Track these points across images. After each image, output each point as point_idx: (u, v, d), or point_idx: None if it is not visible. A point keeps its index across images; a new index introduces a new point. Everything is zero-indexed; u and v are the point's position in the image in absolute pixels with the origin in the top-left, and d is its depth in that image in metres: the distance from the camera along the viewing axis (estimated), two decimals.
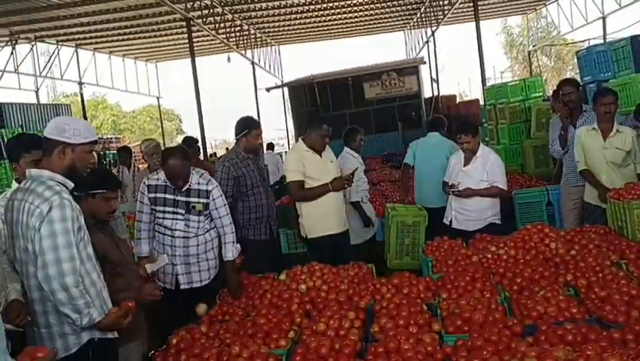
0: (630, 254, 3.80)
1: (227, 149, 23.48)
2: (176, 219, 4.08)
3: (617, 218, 4.54)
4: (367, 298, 3.61)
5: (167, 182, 4.07)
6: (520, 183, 7.60)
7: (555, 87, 5.97)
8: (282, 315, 3.46)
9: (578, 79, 7.21)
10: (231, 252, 4.14)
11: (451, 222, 5.38)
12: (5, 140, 6.44)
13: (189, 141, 8.44)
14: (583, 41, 23.08)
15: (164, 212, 4.10)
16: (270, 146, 15.46)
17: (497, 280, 3.75)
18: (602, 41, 17.05)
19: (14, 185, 3.28)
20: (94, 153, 2.91)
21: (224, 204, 4.17)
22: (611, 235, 4.39)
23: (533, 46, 29.77)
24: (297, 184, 5.01)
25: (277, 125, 27.90)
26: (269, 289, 3.98)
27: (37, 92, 19.71)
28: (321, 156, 5.09)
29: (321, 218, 5.03)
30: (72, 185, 2.78)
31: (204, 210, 4.10)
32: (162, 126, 30.49)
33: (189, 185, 4.07)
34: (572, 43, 30.40)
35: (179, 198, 4.07)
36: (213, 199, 4.10)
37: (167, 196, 4.09)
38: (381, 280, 3.90)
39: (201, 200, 4.08)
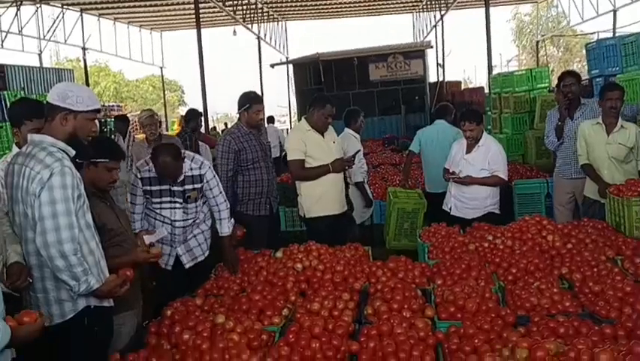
0: (626, 251, 3.81)
1: (225, 124, 23.40)
2: (174, 208, 4.06)
3: (616, 214, 4.55)
4: (362, 281, 3.63)
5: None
6: (521, 174, 7.60)
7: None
8: (276, 293, 3.48)
9: (585, 71, 7.19)
10: (227, 227, 4.18)
11: (450, 209, 5.39)
12: (8, 102, 6.37)
13: (193, 114, 8.43)
14: (592, 33, 22.90)
15: (160, 202, 4.06)
16: (271, 119, 15.22)
17: (492, 270, 3.76)
18: (611, 35, 16.96)
19: (14, 149, 3.27)
20: (96, 121, 2.89)
21: (218, 183, 4.17)
22: (607, 231, 4.40)
23: (542, 35, 29.52)
24: (298, 163, 5.00)
25: (281, 102, 27.74)
26: (265, 266, 3.99)
27: (40, 55, 19.53)
28: (323, 137, 5.07)
29: (319, 198, 5.03)
30: (74, 152, 2.76)
31: (199, 196, 4.12)
32: (165, 96, 30.33)
33: (183, 173, 4.02)
34: (581, 34, 30.16)
35: (175, 188, 4.03)
36: (207, 181, 4.10)
37: (163, 187, 4.03)
38: (377, 263, 3.91)
39: (195, 186, 4.07)
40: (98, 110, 2.84)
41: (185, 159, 4.01)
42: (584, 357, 1.95)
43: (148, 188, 4.04)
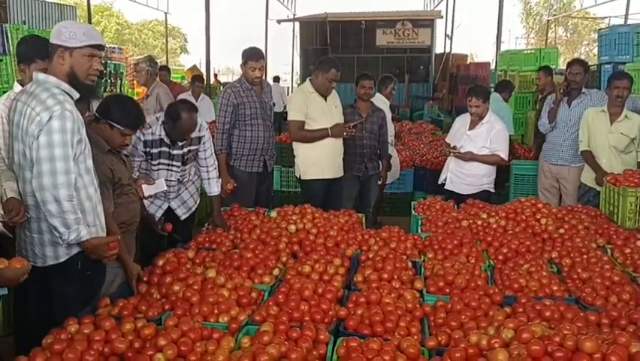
0: (617, 240, 3.84)
1: (217, 80, 23.11)
2: (171, 170, 4.07)
3: (610, 203, 4.57)
4: (354, 248, 3.65)
5: (161, 136, 3.98)
6: (519, 154, 7.60)
7: (566, 60, 5.96)
8: (268, 252, 3.50)
9: (592, 56, 7.14)
10: (216, 186, 4.28)
11: (445, 182, 5.41)
12: (9, 35, 6.23)
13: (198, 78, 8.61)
14: (603, 18, 22.62)
15: (158, 164, 4.05)
16: (277, 79, 15.80)
17: (484, 248, 3.79)
18: (623, 21, 16.75)
19: (16, 87, 3.21)
20: (99, 60, 2.79)
21: (211, 145, 4.27)
22: (600, 219, 4.43)
23: (552, 15, 29.15)
24: (298, 124, 4.98)
25: (286, 60, 27.40)
26: (258, 225, 4.00)
27: None
28: (326, 100, 5.04)
29: (315, 161, 5.03)
30: (78, 95, 2.70)
31: (197, 153, 4.19)
32: (167, 42, 29.88)
33: None
34: (592, 18, 29.79)
35: (175, 152, 4.02)
36: (203, 142, 4.18)
37: (163, 149, 4.01)
38: (370, 232, 3.93)
39: (192, 147, 4.12)
40: (96, 47, 2.70)
41: None
42: (568, 343, 1.98)
43: (148, 150, 4.01)
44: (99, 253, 2.75)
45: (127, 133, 3.19)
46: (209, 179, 4.28)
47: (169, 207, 4.16)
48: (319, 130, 4.96)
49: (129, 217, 3.31)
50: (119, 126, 3.13)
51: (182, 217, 4.21)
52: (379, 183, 5.74)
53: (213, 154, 4.30)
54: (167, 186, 4.01)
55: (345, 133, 5.05)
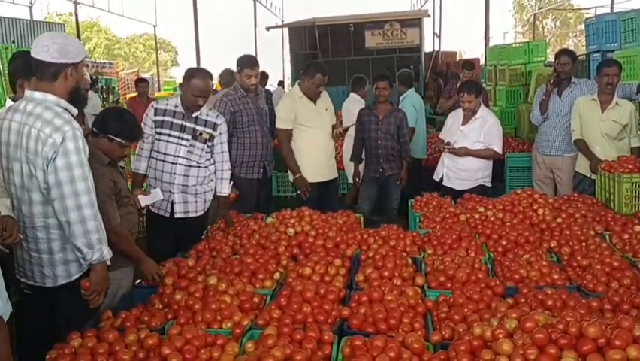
0: (615, 226, 3.86)
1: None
2: (180, 144, 4.06)
3: (606, 190, 4.59)
4: (354, 247, 3.65)
5: (176, 107, 4.08)
6: (513, 147, 7.62)
7: (555, 52, 6.03)
8: (269, 256, 3.50)
9: (582, 47, 7.20)
10: (227, 187, 4.29)
11: (442, 179, 5.42)
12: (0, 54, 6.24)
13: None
14: (590, 8, 22.74)
15: (168, 135, 4.06)
16: (281, 83, 16.89)
17: (483, 241, 3.80)
18: (609, 10, 16.83)
19: (9, 103, 3.20)
20: (88, 74, 2.84)
21: (226, 142, 4.28)
22: (597, 206, 4.44)
23: (540, 8, 29.28)
24: (284, 133, 5.03)
25: (276, 66, 27.49)
26: (257, 230, 4.00)
27: (30, 7, 19.09)
28: (315, 103, 5.06)
29: (306, 165, 5.06)
30: (76, 111, 2.69)
31: (209, 141, 4.14)
32: (157, 55, 29.86)
33: (199, 113, 4.10)
34: (579, 9, 29.94)
35: (186, 123, 4.06)
36: (220, 133, 4.18)
37: (175, 121, 4.07)
38: (369, 231, 3.93)
39: (207, 130, 4.12)
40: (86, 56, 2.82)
41: (204, 107, 4.11)
42: (572, 329, 1.98)
43: (160, 118, 4.06)
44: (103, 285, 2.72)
45: (126, 145, 3.21)
46: (222, 179, 4.28)
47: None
48: (294, 164, 5.05)
49: (129, 227, 3.30)
50: (118, 139, 3.14)
51: (176, 215, 4.14)
52: (398, 183, 5.62)
53: (228, 152, 4.31)
54: (172, 164, 4.05)
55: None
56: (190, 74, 4.05)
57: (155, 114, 4.07)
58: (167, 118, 4.06)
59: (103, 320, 2.77)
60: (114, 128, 3.13)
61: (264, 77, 8.46)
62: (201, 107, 4.06)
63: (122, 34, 44.80)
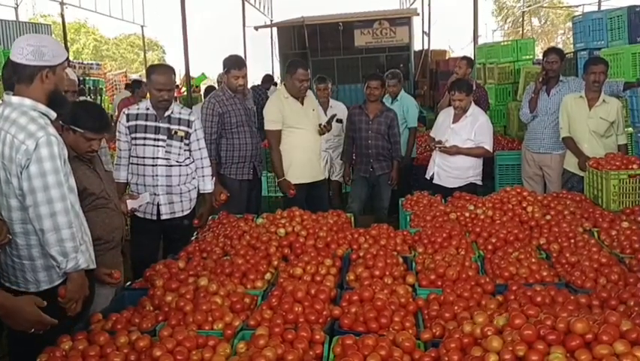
0: (603, 223, 3.89)
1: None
2: (158, 146, 4.09)
3: (594, 187, 4.63)
4: (345, 247, 3.66)
5: (148, 110, 4.11)
6: (502, 145, 7.67)
7: (543, 51, 6.07)
8: (259, 257, 3.50)
9: (569, 44, 7.25)
10: (210, 184, 4.35)
11: (432, 177, 5.44)
12: None
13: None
14: (577, 6, 22.88)
15: (144, 139, 4.08)
16: (275, 83, 16.53)
17: (473, 239, 3.82)
18: (596, 8, 16.94)
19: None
20: (68, 69, 2.79)
21: (203, 137, 4.32)
22: (585, 203, 4.48)
23: (527, 7, 29.42)
24: (272, 134, 5.05)
25: (266, 66, 27.46)
26: (248, 231, 4.00)
27: (16, 8, 18.92)
28: (302, 104, 5.06)
29: (293, 166, 5.07)
30: (55, 115, 2.65)
31: (185, 138, 4.17)
32: (145, 55, 29.71)
33: (171, 112, 4.12)
34: (566, 7, 30.12)
35: (160, 124, 4.09)
36: (195, 130, 4.22)
37: (149, 123, 4.09)
38: (360, 231, 3.94)
39: (182, 128, 4.15)
40: (67, 58, 2.72)
41: (175, 103, 4.15)
42: (560, 325, 2.00)
43: (133, 123, 4.08)
44: (80, 293, 2.69)
45: (91, 137, 3.09)
46: (204, 176, 4.31)
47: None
48: (280, 168, 5.07)
49: (105, 233, 3.21)
50: (81, 130, 3.05)
51: (163, 216, 4.20)
52: (389, 183, 5.64)
53: (207, 149, 4.34)
54: (153, 167, 4.08)
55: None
56: (150, 70, 4.16)
57: (128, 120, 4.10)
58: (141, 122, 4.08)
59: (93, 323, 2.76)
60: (77, 118, 3.04)
61: (269, 80, 8.33)
62: (168, 102, 4.09)
63: (110, 35, 44.58)
